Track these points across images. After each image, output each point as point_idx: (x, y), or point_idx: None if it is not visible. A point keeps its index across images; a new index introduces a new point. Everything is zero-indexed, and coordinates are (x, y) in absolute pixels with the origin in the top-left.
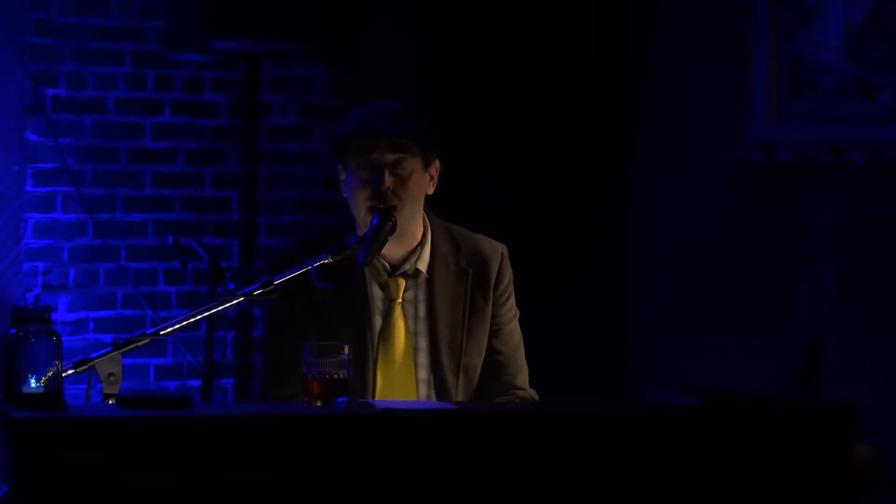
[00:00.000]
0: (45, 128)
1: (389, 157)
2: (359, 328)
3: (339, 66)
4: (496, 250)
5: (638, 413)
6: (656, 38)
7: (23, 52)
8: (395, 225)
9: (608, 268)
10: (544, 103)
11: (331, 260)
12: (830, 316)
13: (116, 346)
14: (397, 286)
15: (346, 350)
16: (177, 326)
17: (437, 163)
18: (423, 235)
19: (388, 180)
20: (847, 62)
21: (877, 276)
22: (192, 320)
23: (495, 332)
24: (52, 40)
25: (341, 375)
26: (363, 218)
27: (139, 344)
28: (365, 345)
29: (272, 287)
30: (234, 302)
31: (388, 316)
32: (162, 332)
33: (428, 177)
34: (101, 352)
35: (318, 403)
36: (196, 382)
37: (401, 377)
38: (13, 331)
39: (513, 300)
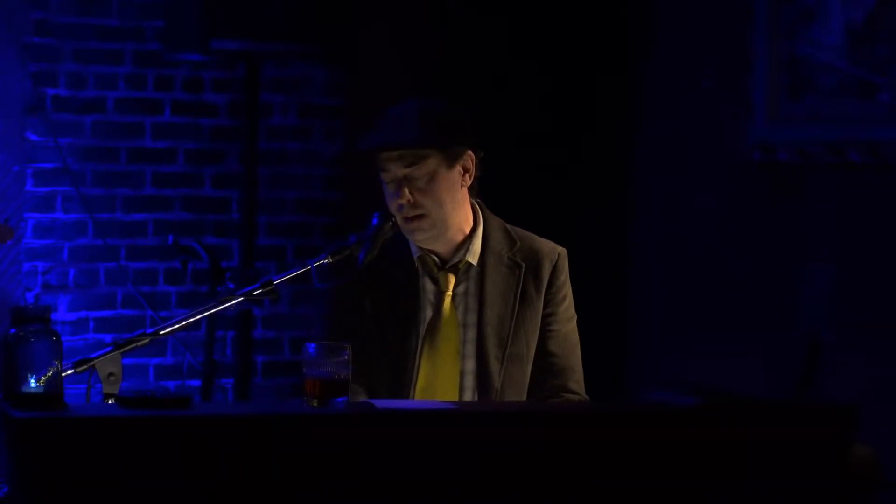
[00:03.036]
0: (45, 128)
1: (402, 171)
2: (409, 320)
3: (339, 66)
4: (553, 249)
5: (638, 413)
6: (656, 38)
7: (23, 52)
8: (394, 224)
9: (608, 267)
10: (544, 103)
11: (330, 259)
12: (830, 316)
13: (116, 346)
14: (447, 280)
15: (346, 350)
16: (177, 326)
17: (467, 154)
18: (473, 229)
19: (406, 194)
20: (847, 62)
21: (877, 276)
22: (192, 320)
23: (550, 335)
24: (52, 40)
25: (341, 375)
26: (401, 226)
27: (139, 344)
28: (413, 336)
29: (272, 287)
30: (234, 302)
31: (438, 308)
32: (162, 332)
33: (459, 171)
34: (101, 352)
35: (315, 403)
36: (196, 382)
37: (446, 369)
38: (13, 331)
39: (569, 302)
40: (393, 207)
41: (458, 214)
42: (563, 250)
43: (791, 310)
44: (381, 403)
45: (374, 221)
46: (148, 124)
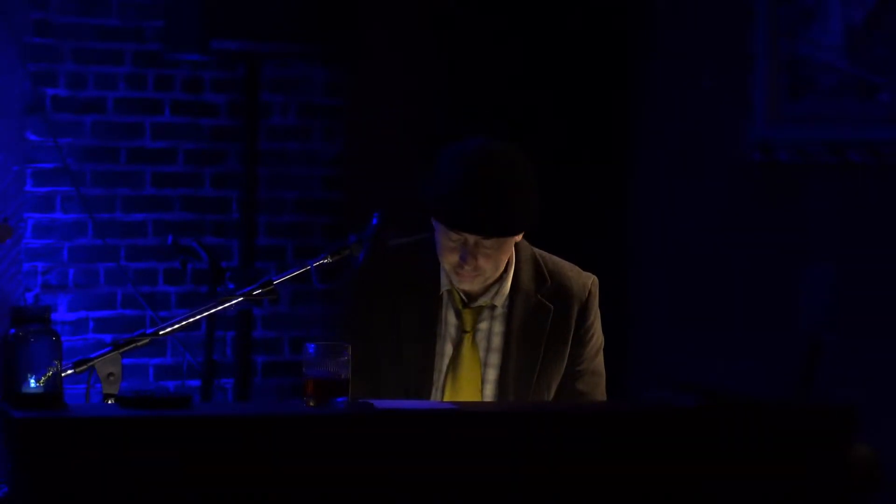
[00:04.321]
0: (45, 128)
1: (482, 241)
2: (429, 353)
3: (339, 66)
4: (584, 286)
5: (638, 413)
6: (656, 39)
7: (23, 52)
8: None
9: (608, 268)
10: (544, 103)
11: (330, 259)
12: (830, 316)
13: (116, 346)
14: (471, 318)
15: (346, 350)
16: (176, 326)
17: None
18: (506, 269)
19: (471, 262)
20: (847, 62)
21: (877, 276)
22: (191, 320)
23: (578, 374)
24: (52, 40)
25: (341, 375)
26: (448, 270)
27: (139, 344)
28: (433, 371)
29: (272, 287)
30: (234, 302)
31: (459, 345)
32: (162, 332)
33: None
34: (101, 352)
35: (315, 403)
36: (196, 382)
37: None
38: (13, 331)
39: (597, 337)
40: (452, 261)
41: (504, 266)
42: (593, 283)
43: (791, 310)
44: (380, 403)
45: (374, 221)
46: (148, 124)
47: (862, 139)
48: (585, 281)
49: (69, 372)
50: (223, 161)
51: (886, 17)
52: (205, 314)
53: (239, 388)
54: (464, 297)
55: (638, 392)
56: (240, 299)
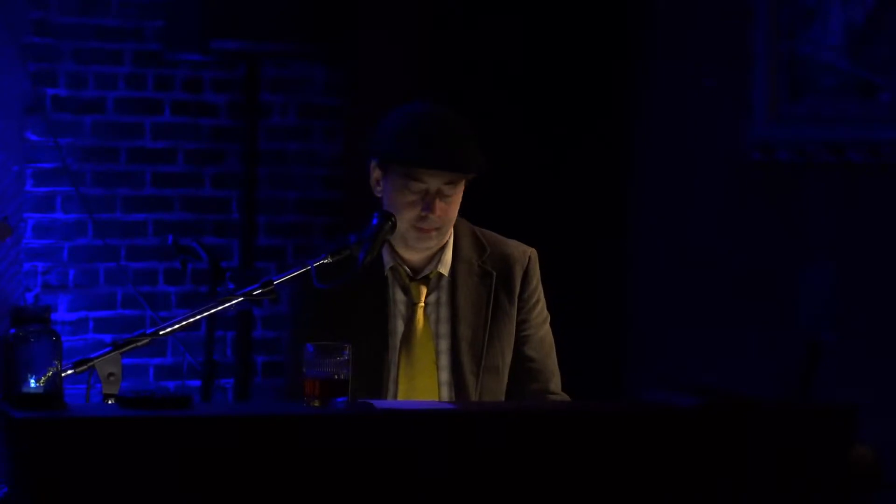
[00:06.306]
0: (45, 128)
1: (438, 185)
2: (381, 333)
3: (339, 66)
4: (524, 253)
5: (638, 413)
6: (656, 38)
7: (23, 52)
8: (394, 225)
9: (608, 267)
10: (544, 103)
11: (330, 259)
12: (830, 316)
13: (116, 346)
14: (419, 291)
15: (346, 350)
16: (177, 326)
17: None
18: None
19: (439, 207)
20: (847, 62)
21: (877, 276)
22: (191, 320)
23: (526, 339)
24: (52, 40)
25: (341, 375)
26: (405, 231)
27: (139, 344)
28: (387, 349)
29: (271, 287)
30: (234, 302)
31: (410, 320)
32: (162, 332)
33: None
34: (101, 352)
35: (316, 403)
36: (196, 382)
37: (423, 381)
38: (13, 331)
39: (542, 304)
40: (412, 216)
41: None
42: (532, 252)
43: (791, 310)
44: (380, 403)
45: (374, 221)
46: (148, 124)
47: (862, 139)
48: (525, 249)
49: (69, 372)
50: (223, 161)
51: (886, 17)
52: (205, 314)
53: (239, 388)
54: (409, 272)
55: (638, 392)
56: (240, 299)
